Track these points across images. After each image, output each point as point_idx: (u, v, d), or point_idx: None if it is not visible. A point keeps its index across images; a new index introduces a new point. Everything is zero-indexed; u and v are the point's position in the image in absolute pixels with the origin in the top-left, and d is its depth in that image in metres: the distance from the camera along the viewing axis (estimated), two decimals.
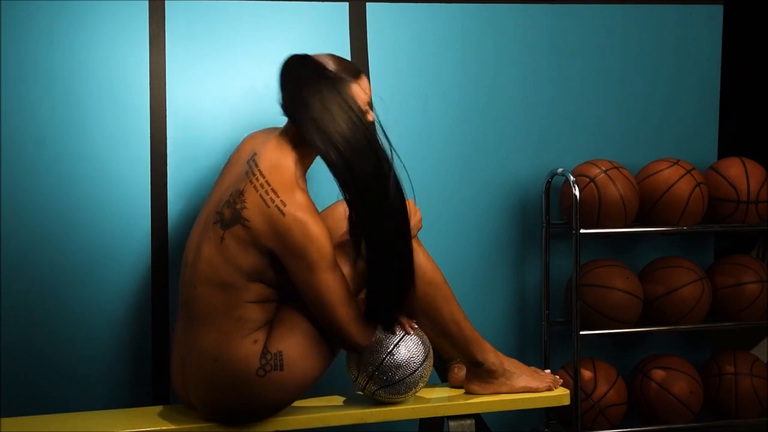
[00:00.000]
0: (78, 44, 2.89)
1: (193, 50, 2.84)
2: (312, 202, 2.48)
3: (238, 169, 2.57)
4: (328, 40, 3.10)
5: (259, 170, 2.49)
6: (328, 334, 2.54)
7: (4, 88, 2.84)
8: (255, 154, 2.55)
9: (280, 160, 2.51)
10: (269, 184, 2.46)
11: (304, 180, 2.59)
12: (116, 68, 2.92)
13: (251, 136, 2.67)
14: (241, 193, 2.48)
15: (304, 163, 2.57)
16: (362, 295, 2.54)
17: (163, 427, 2.54)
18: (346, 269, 2.54)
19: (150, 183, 2.96)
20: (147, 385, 2.98)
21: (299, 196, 2.46)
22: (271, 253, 2.46)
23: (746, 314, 3.33)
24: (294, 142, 2.54)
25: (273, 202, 2.45)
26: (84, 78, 2.90)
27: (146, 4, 2.94)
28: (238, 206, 2.47)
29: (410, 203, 2.66)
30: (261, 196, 2.46)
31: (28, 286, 2.87)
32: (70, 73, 2.89)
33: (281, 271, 2.49)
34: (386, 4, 3.15)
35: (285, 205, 2.44)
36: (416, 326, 2.68)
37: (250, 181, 2.48)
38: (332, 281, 2.46)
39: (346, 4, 3.12)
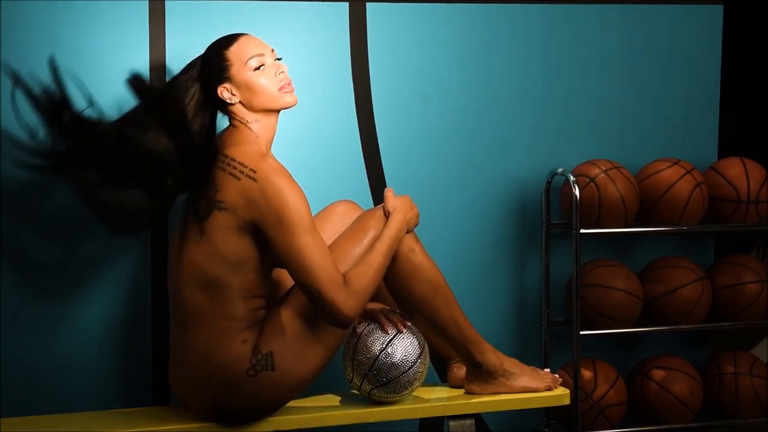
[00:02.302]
0: (78, 44, 2.89)
1: (192, 50, 2.83)
2: (284, 167, 2.49)
3: None
4: (328, 40, 3.10)
5: (222, 154, 2.52)
6: (320, 326, 2.53)
7: (4, 88, 2.84)
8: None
9: (239, 137, 2.56)
10: (235, 160, 2.49)
11: (272, 154, 2.63)
12: (116, 68, 2.91)
13: None
14: (211, 180, 2.49)
15: (264, 133, 2.59)
16: (352, 271, 2.52)
17: (163, 427, 2.54)
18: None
19: None
20: (147, 386, 2.98)
21: (269, 161, 2.49)
22: (253, 227, 2.46)
23: (746, 314, 3.33)
24: (244, 120, 2.58)
25: (243, 173, 2.47)
26: (84, 78, 2.89)
27: (146, 4, 2.94)
28: (211, 193, 2.48)
29: (406, 198, 2.67)
30: (230, 173, 2.48)
31: (27, 286, 2.87)
32: (69, 72, 2.89)
33: (266, 251, 2.49)
34: (386, 4, 3.15)
35: (255, 172, 2.46)
36: (409, 324, 2.68)
37: (218, 167, 2.50)
38: (312, 243, 2.45)
39: (346, 4, 3.12)
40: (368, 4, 3.14)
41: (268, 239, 2.47)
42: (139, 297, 2.96)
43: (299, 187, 2.48)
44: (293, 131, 2.94)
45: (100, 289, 2.93)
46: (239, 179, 2.47)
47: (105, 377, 2.94)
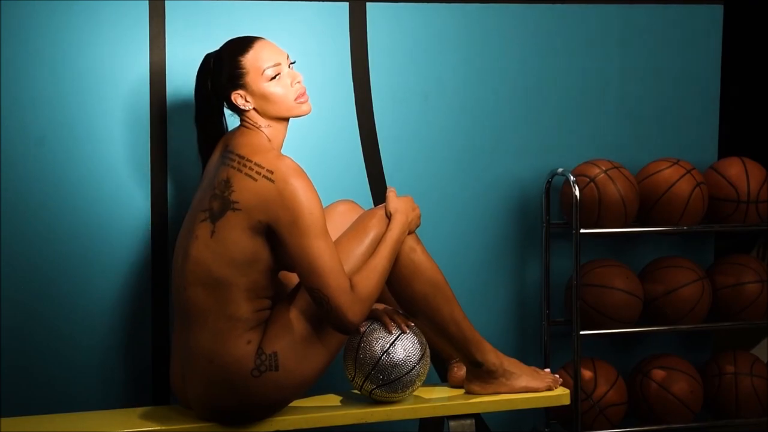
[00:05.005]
0: (78, 44, 2.89)
1: (193, 50, 2.84)
2: (301, 167, 2.48)
3: (214, 169, 2.59)
4: (328, 40, 3.10)
5: (237, 154, 2.52)
6: (323, 326, 2.53)
7: (5, 88, 2.85)
8: (226, 146, 2.59)
9: (253, 139, 2.57)
10: (251, 161, 2.49)
11: None
12: (116, 68, 2.92)
13: (220, 142, 2.68)
14: (226, 181, 2.50)
15: (275, 137, 2.60)
16: (357, 276, 2.52)
17: (163, 427, 2.54)
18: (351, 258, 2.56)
19: (150, 183, 2.96)
20: (147, 385, 2.98)
21: (286, 162, 2.48)
22: (267, 229, 2.46)
23: (746, 314, 3.33)
24: (257, 125, 2.59)
25: (260, 174, 2.46)
26: (84, 78, 2.90)
27: (146, 4, 2.94)
28: (226, 194, 2.48)
29: (408, 199, 2.67)
30: (246, 174, 2.47)
31: (27, 286, 2.88)
32: (70, 73, 2.89)
33: (277, 252, 2.49)
34: (386, 4, 3.15)
35: (272, 173, 2.46)
36: (412, 324, 2.68)
37: (232, 167, 2.50)
38: (324, 247, 2.45)
39: (346, 4, 3.12)
40: (368, 4, 3.14)
41: (280, 241, 2.47)
42: (139, 297, 2.97)
43: (315, 189, 2.48)
44: (293, 131, 2.93)
45: (100, 289, 2.93)
46: (256, 180, 2.46)
47: (105, 377, 2.95)
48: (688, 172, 3.24)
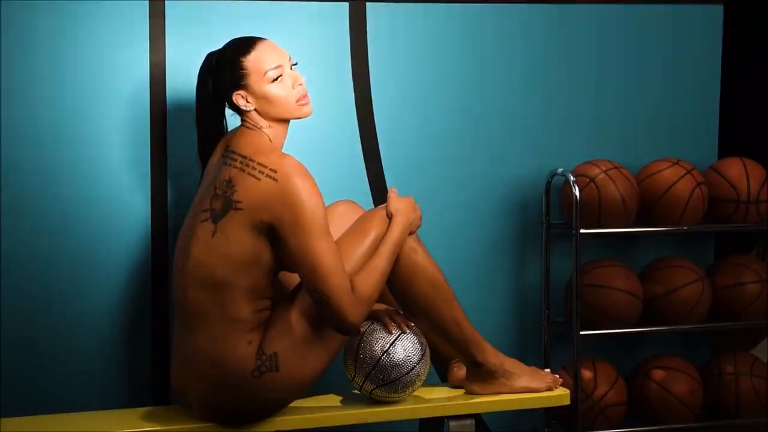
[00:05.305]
0: (78, 44, 2.89)
1: (193, 50, 2.85)
2: (304, 166, 2.48)
3: (215, 170, 2.58)
4: (328, 40, 3.10)
5: (240, 154, 2.52)
6: (324, 327, 2.53)
7: (5, 88, 2.85)
8: (227, 146, 2.58)
9: (255, 139, 2.56)
10: (254, 160, 2.49)
11: None
12: (116, 68, 2.92)
13: (220, 143, 2.68)
14: (228, 181, 2.49)
15: (276, 138, 2.59)
16: (357, 277, 2.52)
17: (163, 427, 2.54)
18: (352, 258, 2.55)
19: (150, 183, 2.96)
20: (147, 385, 2.98)
21: (290, 160, 2.48)
22: (269, 228, 2.46)
23: (746, 314, 3.33)
24: (258, 125, 2.58)
25: (263, 173, 2.46)
26: (84, 78, 2.90)
27: (146, 4, 2.94)
28: (229, 193, 2.47)
29: (410, 200, 2.67)
30: (249, 173, 2.47)
31: (27, 287, 2.88)
32: (70, 73, 2.89)
33: (279, 253, 2.49)
34: (386, 4, 3.15)
35: (276, 172, 2.45)
36: (412, 324, 2.68)
37: (235, 167, 2.50)
38: (326, 248, 2.45)
39: (346, 4, 3.12)
40: (368, 4, 3.14)
41: (282, 240, 2.46)
42: (139, 297, 2.97)
43: (318, 189, 2.47)
44: (294, 131, 2.93)
45: (100, 289, 2.93)
46: (259, 179, 2.46)
47: (105, 377, 2.95)
48: (688, 172, 3.24)
